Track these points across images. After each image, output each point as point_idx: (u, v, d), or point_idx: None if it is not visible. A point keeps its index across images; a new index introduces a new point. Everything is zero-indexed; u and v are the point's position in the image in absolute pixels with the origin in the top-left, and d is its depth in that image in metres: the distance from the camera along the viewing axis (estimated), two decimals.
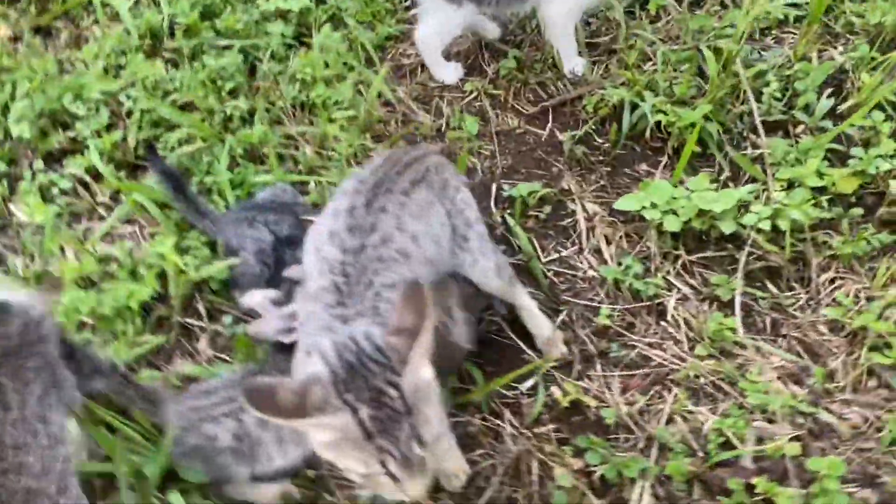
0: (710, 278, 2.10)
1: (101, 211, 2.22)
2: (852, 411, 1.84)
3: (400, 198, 1.57)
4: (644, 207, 2.14)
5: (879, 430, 1.80)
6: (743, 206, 2.13)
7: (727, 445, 1.79)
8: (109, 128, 2.33)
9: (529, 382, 1.94)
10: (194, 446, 1.65)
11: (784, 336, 2.01)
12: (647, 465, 1.76)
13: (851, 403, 1.85)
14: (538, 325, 1.99)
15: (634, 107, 2.39)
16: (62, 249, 2.08)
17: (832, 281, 2.07)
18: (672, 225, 2.11)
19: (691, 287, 2.10)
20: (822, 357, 1.95)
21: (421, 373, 1.27)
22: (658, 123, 2.36)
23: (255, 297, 1.80)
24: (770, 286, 2.10)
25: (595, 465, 1.76)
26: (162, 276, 1.98)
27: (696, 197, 2.13)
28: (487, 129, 2.49)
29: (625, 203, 2.18)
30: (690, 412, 1.87)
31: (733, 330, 1.97)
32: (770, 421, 1.82)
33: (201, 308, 2.00)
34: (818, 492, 1.66)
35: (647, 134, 2.39)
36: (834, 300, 2.02)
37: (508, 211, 2.25)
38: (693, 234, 2.16)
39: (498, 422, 1.87)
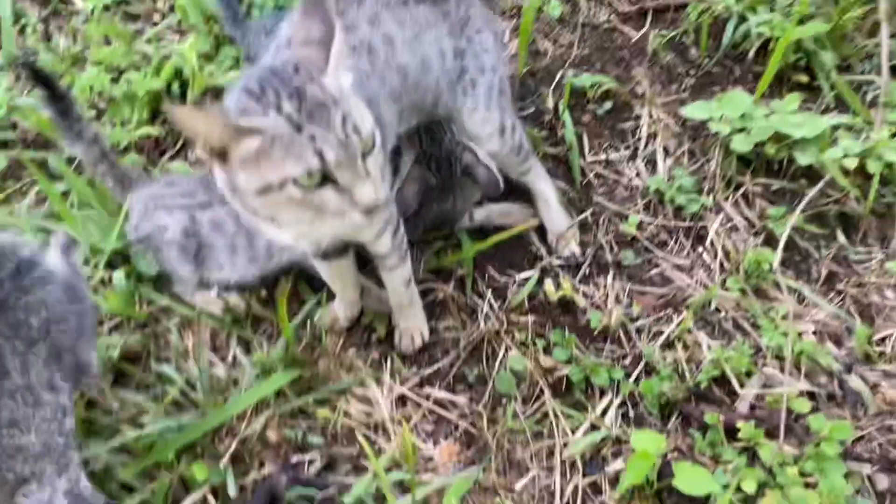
0: (768, 211, 1.80)
1: (157, 18, 2.19)
2: (892, 385, 1.52)
3: (391, 1, 1.41)
4: (713, 119, 1.87)
5: None
6: (832, 143, 1.81)
7: (723, 383, 1.53)
8: None
9: (527, 274, 1.74)
10: (146, 233, 1.58)
11: (839, 292, 1.69)
12: (621, 377, 1.52)
13: (894, 377, 1.53)
14: (552, 217, 1.78)
15: (742, 21, 2.10)
16: (107, 39, 2.06)
17: None
18: (740, 145, 1.83)
19: (744, 217, 1.81)
20: (875, 322, 1.62)
21: (342, 79, 1.14)
22: (765, 46, 2.05)
23: None
24: (840, 236, 1.77)
25: (561, 363, 1.54)
26: (182, 80, 1.92)
27: (776, 118, 1.83)
28: (574, 19, 2.26)
29: (693, 110, 1.91)
30: (696, 342, 1.60)
31: (771, 266, 1.67)
32: (782, 370, 1.53)
33: None
34: (812, 454, 1.37)
35: (751, 55, 2.09)
36: None
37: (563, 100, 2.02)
38: (765, 162, 1.86)
39: (477, 300, 1.69)
